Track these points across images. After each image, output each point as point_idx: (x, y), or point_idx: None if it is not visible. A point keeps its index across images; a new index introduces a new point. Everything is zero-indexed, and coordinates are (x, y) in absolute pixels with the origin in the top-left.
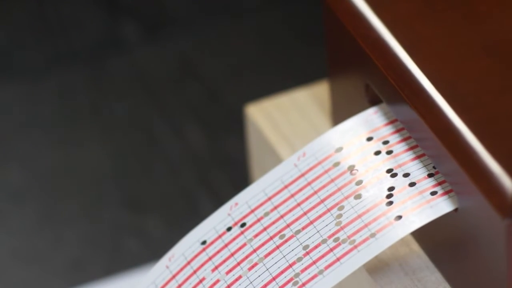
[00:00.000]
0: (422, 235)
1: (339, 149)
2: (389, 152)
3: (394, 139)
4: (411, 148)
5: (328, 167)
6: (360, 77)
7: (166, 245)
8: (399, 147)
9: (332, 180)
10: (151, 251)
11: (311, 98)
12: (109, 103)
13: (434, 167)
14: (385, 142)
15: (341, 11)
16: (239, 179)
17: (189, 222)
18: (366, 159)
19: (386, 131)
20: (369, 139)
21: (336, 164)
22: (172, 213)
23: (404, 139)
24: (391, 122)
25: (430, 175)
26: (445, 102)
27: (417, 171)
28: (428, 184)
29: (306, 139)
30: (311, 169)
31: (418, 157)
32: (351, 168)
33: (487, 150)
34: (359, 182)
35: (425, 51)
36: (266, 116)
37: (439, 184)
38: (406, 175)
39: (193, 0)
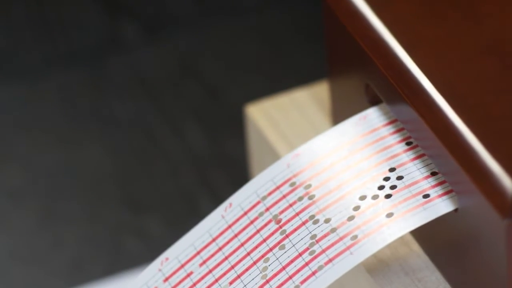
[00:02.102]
0: (422, 235)
1: (264, 198)
2: (311, 197)
3: (316, 181)
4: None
5: (253, 217)
6: (360, 77)
7: (166, 245)
8: (320, 191)
9: (258, 231)
10: (151, 251)
11: (311, 98)
12: (109, 103)
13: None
14: (307, 186)
15: (341, 11)
16: (239, 179)
17: (189, 222)
18: (290, 206)
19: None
20: (292, 184)
21: (261, 214)
22: (172, 213)
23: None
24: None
25: (350, 218)
26: (445, 102)
27: (339, 214)
28: (349, 228)
29: (306, 139)
30: (237, 220)
31: (340, 198)
32: (275, 217)
33: (487, 150)
34: (283, 232)
35: (425, 51)
36: (266, 116)
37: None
38: (327, 220)
39: (193, 0)
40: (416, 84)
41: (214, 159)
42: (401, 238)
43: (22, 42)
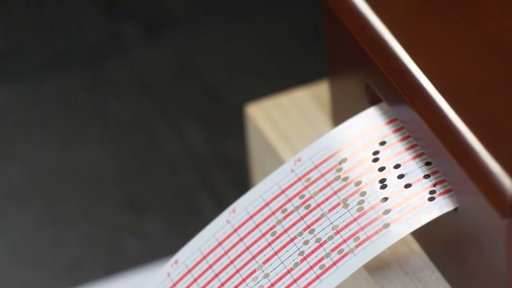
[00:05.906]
0: (421, 235)
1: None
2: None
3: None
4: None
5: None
6: (360, 77)
7: (166, 245)
8: (257, 247)
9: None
10: (151, 251)
11: (311, 98)
12: (109, 103)
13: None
14: (243, 237)
15: (341, 11)
16: (239, 179)
17: (189, 222)
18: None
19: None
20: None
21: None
22: (172, 213)
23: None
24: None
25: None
26: (445, 102)
27: (284, 264)
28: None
29: (306, 139)
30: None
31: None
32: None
33: (487, 150)
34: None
35: (425, 51)
36: (266, 116)
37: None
38: (265, 275)
39: (193, 0)
40: (416, 84)
41: (214, 159)
42: (401, 238)
43: (22, 42)
